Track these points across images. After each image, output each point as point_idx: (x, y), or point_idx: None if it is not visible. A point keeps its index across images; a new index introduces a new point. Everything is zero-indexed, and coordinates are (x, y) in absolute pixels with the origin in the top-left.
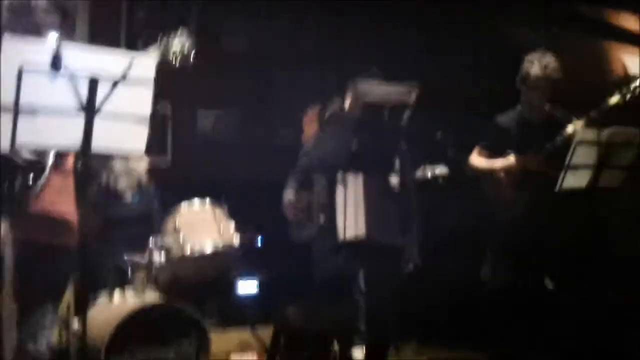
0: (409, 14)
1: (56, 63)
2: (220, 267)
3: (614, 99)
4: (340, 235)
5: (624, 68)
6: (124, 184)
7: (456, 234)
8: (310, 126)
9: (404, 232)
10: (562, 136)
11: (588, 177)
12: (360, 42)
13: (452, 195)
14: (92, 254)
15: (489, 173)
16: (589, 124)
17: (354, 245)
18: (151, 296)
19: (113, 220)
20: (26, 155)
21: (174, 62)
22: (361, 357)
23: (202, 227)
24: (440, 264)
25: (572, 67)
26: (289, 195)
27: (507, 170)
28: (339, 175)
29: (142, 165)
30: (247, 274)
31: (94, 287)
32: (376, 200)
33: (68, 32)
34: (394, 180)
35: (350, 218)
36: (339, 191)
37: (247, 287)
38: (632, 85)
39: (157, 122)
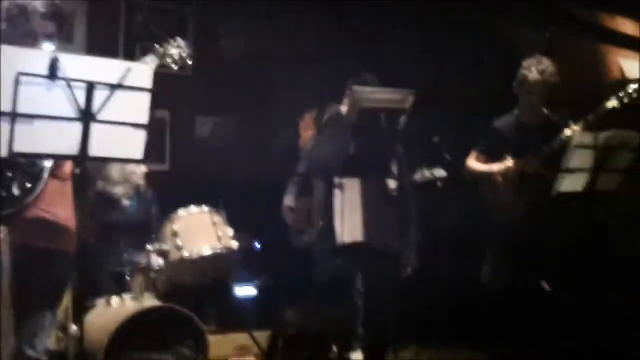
0: (408, 14)
1: (53, 71)
2: (218, 271)
3: (611, 103)
4: (339, 239)
5: (621, 71)
6: (122, 190)
7: (455, 234)
8: (306, 131)
9: (401, 236)
10: (560, 139)
11: (585, 181)
12: (360, 42)
13: (452, 196)
14: (90, 258)
15: (487, 176)
16: (586, 128)
17: (352, 249)
18: (149, 300)
19: (111, 225)
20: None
21: (172, 68)
22: (360, 359)
23: (200, 231)
24: (439, 265)
25: (569, 71)
26: (288, 201)
27: (505, 173)
28: (337, 179)
29: (140, 171)
30: (246, 277)
31: (92, 291)
32: (374, 204)
33: (66, 36)
34: (392, 183)
35: (348, 222)
36: (337, 195)
37: (245, 290)
38: (629, 89)
39: (155, 128)
